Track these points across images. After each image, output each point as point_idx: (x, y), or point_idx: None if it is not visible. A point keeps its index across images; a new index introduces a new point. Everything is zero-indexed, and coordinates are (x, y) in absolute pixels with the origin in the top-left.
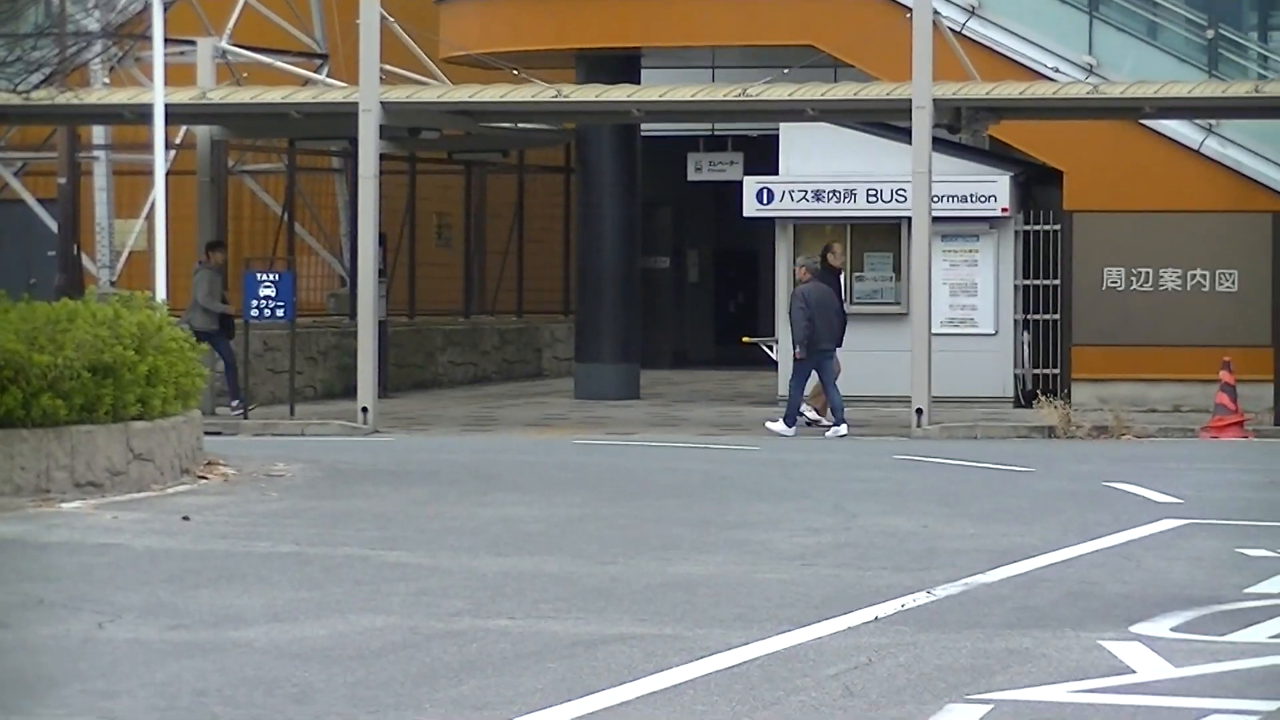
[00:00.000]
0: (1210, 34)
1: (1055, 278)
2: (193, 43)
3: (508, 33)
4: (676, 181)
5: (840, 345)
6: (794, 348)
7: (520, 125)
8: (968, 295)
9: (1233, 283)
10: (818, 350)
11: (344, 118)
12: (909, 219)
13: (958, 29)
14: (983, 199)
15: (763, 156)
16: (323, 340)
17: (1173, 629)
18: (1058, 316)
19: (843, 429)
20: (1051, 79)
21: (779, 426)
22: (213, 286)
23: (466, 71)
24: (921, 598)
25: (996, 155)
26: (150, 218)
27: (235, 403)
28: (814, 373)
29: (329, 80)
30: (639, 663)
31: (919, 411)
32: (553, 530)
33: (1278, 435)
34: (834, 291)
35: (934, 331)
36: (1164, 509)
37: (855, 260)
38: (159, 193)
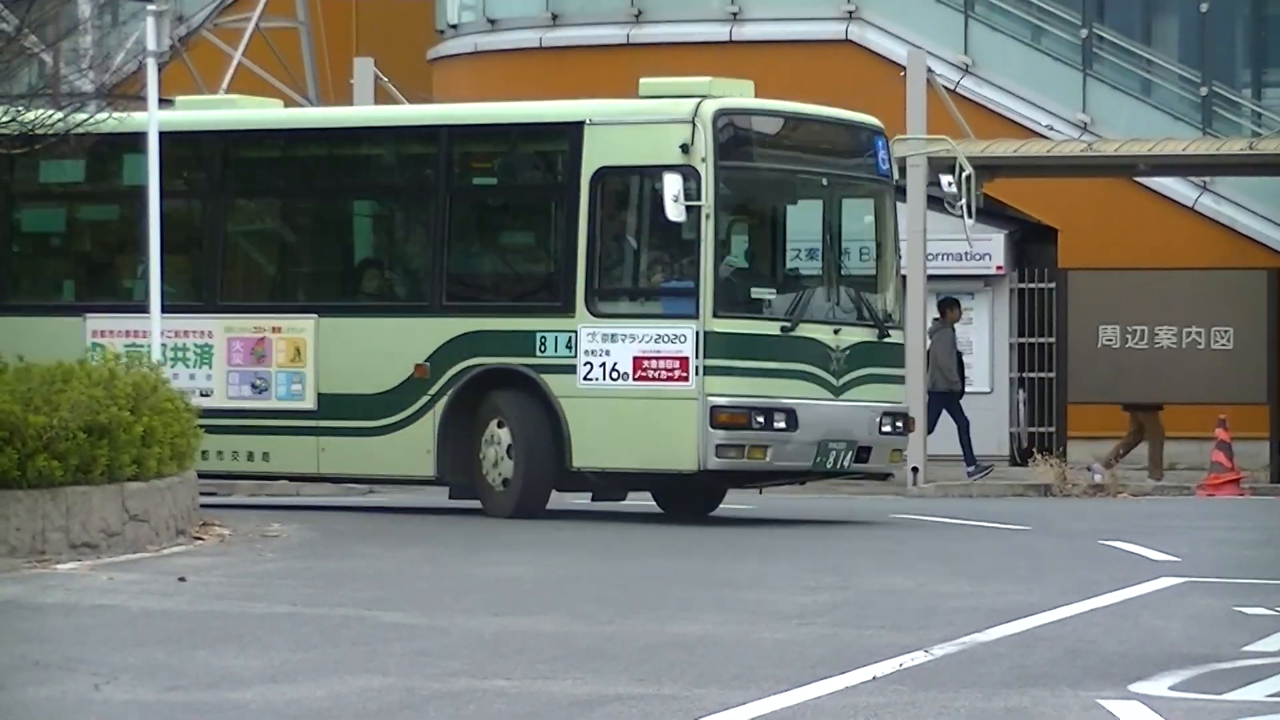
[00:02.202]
0: (1204, 91)
1: (1050, 335)
2: None
3: (500, 88)
4: None
5: None
6: None
7: None
8: (963, 353)
9: (1228, 340)
10: None
11: None
12: (903, 277)
13: (952, 86)
14: (977, 257)
15: None
16: None
17: (1171, 688)
18: (1053, 374)
19: None
20: (1046, 137)
21: None
22: (952, 347)
23: None
24: (919, 656)
25: (991, 213)
26: None
27: (971, 469)
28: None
29: None
30: None
31: (914, 470)
32: (548, 590)
33: (1274, 493)
34: None
35: (929, 389)
36: (1161, 567)
37: None
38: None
